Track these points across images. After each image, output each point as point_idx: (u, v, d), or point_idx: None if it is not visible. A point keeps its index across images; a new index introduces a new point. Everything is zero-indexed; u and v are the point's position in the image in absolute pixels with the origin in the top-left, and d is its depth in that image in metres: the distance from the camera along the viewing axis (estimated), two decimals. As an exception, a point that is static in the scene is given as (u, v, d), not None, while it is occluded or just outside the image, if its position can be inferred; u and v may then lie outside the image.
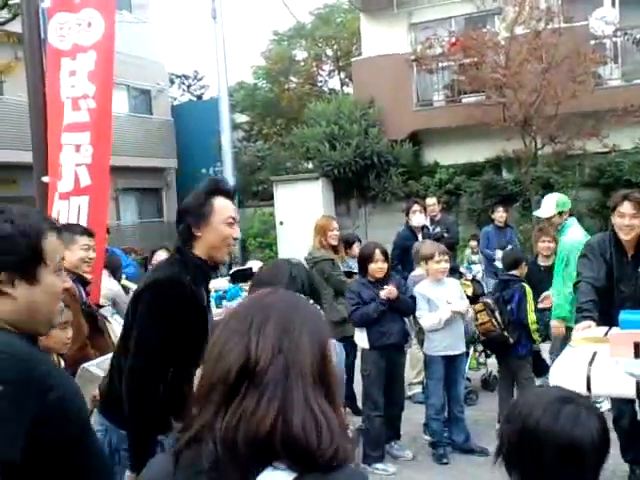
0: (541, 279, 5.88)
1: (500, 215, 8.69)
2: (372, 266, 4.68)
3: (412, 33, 14.50)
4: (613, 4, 12.68)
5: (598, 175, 10.95)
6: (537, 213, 5.37)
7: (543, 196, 11.15)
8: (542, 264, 6.06)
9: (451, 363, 4.74)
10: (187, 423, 1.16)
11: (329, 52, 19.76)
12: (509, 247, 8.30)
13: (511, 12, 11.42)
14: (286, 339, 1.14)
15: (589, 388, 2.82)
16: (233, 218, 2.51)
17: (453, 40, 12.88)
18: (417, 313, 4.75)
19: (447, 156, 13.32)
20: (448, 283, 4.97)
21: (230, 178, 14.16)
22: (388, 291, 4.57)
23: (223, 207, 2.47)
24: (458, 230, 9.21)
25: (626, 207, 4.02)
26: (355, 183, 13.50)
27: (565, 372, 3.03)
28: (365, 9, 15.07)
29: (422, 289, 4.85)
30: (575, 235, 5.25)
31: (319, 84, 19.81)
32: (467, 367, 5.96)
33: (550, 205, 5.39)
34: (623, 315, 3.88)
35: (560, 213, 5.37)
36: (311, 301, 1.98)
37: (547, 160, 11.61)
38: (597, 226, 9.83)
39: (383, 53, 13.83)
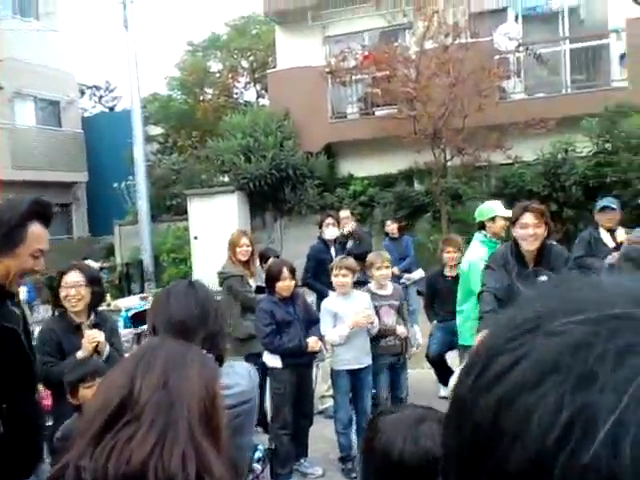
0: (448, 289, 6.01)
1: (391, 228, 8.83)
2: (280, 284, 4.66)
3: (327, 46, 14.64)
4: (516, 20, 13.25)
5: (503, 186, 11.34)
6: (502, 213, 5.24)
7: (453, 206, 11.65)
8: (448, 274, 6.18)
9: (357, 376, 4.74)
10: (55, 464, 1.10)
11: (245, 64, 19.67)
12: (407, 257, 8.46)
13: (420, 27, 11.68)
14: (172, 375, 1.11)
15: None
16: (42, 251, 2.27)
17: (366, 53, 13.08)
18: (321, 328, 4.72)
19: (361, 168, 13.48)
20: (356, 296, 4.97)
21: (143, 192, 13.82)
22: (312, 346, 4.64)
23: (36, 237, 2.23)
24: (371, 242, 9.31)
25: (528, 218, 4.15)
26: (271, 196, 13.43)
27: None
28: (280, 21, 15.12)
29: (328, 304, 4.84)
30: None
31: (235, 96, 19.68)
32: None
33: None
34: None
35: None
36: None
37: (456, 171, 11.93)
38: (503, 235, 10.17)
39: (298, 65, 13.88)
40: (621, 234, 5.86)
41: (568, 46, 12.68)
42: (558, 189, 10.73)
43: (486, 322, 4.16)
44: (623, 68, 12.04)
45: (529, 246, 4.19)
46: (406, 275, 8.22)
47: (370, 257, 5.22)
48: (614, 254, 5.56)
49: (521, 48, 12.53)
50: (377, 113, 13.17)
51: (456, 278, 5.99)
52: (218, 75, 19.67)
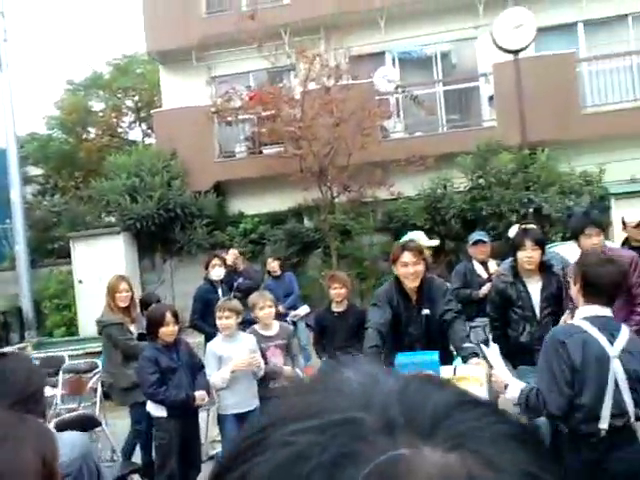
0: (335, 325, 6.09)
1: (272, 266, 8.84)
2: (163, 330, 4.54)
3: (212, 86, 14.68)
4: (393, 64, 13.93)
5: (388, 220, 11.74)
6: (424, 242, 5.71)
7: (342, 242, 11.92)
8: (335, 310, 6.25)
9: (245, 420, 4.67)
10: None
11: (129, 103, 19.31)
12: (292, 295, 8.54)
13: (303, 69, 11.99)
14: (1, 449, 1.06)
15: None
16: None
17: (252, 94, 13.22)
18: (206, 371, 4.64)
19: (251, 206, 13.50)
20: (242, 338, 4.92)
21: (21, 235, 13.12)
22: (200, 398, 4.59)
23: None
24: (262, 278, 9.31)
25: (407, 257, 4.32)
26: (159, 236, 13.14)
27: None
28: (164, 61, 15.02)
29: (213, 346, 4.76)
30: None
31: (120, 135, 19.23)
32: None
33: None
34: (399, 358, 4.11)
35: None
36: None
37: (343, 208, 12.21)
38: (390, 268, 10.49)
39: (184, 105, 13.81)
40: (492, 266, 6.23)
41: (442, 88, 13.46)
42: (439, 222, 11.25)
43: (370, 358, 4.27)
44: (492, 109, 12.92)
45: (411, 283, 4.35)
46: (292, 312, 8.26)
47: (252, 298, 5.19)
48: (487, 285, 5.90)
49: (399, 89, 13.16)
50: (265, 152, 13.29)
51: (343, 313, 6.10)
52: (101, 114, 19.17)
